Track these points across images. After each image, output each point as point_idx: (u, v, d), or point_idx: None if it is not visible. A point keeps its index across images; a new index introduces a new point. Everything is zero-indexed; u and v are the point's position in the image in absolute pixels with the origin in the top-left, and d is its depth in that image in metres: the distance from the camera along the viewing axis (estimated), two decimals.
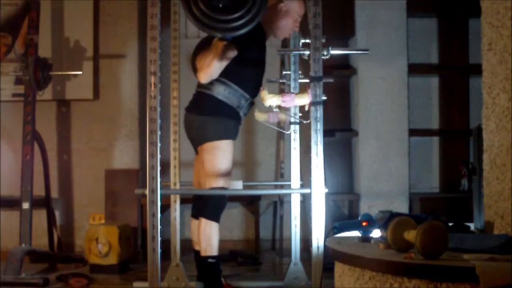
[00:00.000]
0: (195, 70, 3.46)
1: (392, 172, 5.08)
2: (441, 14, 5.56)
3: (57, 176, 5.35)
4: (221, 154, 3.40)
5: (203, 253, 3.42)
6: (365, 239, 2.54)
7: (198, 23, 2.98)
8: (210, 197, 3.44)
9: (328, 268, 2.63)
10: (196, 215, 3.57)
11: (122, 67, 5.39)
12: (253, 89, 3.52)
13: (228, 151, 3.43)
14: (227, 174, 3.42)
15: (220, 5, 2.93)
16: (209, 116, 3.42)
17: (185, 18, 5.80)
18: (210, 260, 3.40)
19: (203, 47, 3.44)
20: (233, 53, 3.30)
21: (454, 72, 5.58)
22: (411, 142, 5.27)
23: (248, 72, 3.45)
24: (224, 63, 3.32)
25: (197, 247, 3.56)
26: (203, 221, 3.40)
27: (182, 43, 4.09)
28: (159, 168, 2.92)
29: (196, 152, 3.58)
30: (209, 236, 3.39)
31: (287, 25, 3.56)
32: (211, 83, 3.41)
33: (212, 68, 3.31)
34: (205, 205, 3.44)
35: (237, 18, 2.95)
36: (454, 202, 5.26)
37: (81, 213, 5.36)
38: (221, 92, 3.42)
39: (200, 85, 3.51)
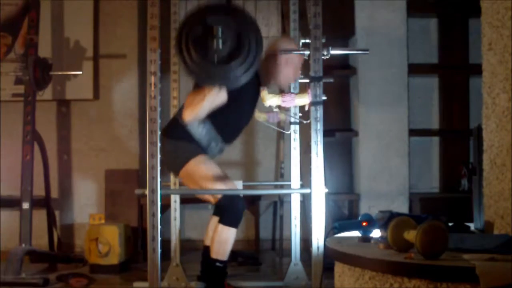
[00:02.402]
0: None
1: (392, 172, 5.08)
2: (441, 14, 5.56)
3: (57, 176, 5.35)
4: (203, 165, 3.34)
5: (213, 255, 3.38)
6: (365, 239, 2.54)
7: (194, 75, 2.97)
8: (226, 205, 3.38)
9: (328, 268, 2.64)
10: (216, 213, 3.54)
11: (122, 67, 5.40)
12: (229, 136, 3.49)
13: (207, 161, 3.37)
14: (224, 177, 3.39)
15: (214, 57, 2.91)
16: (178, 140, 3.34)
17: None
18: (218, 264, 3.38)
19: (194, 84, 3.39)
20: (223, 100, 3.22)
21: (454, 72, 5.58)
22: (411, 142, 5.26)
23: (230, 118, 3.38)
24: (213, 106, 3.24)
25: (208, 243, 3.53)
26: (220, 226, 3.36)
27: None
28: (159, 168, 2.92)
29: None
30: (224, 242, 3.35)
31: (289, 75, 3.52)
32: None
33: (198, 110, 3.24)
34: (223, 213, 3.37)
35: (232, 70, 2.94)
36: (454, 202, 5.25)
37: (81, 213, 5.36)
38: (194, 128, 3.34)
39: (178, 111, 3.48)
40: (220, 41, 2.88)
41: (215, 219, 3.48)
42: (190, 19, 2.99)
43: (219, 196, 3.35)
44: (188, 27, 2.95)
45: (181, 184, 4.04)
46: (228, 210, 3.33)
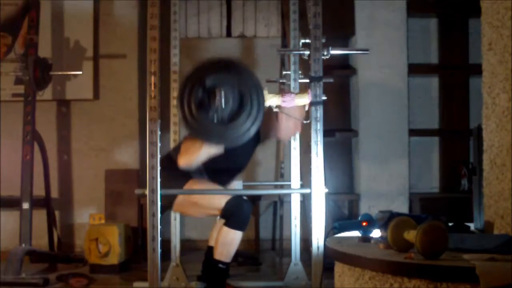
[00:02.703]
0: (179, 151, 3.37)
1: (392, 172, 5.08)
2: (441, 14, 5.56)
3: (57, 176, 5.35)
4: (197, 186, 3.32)
5: (216, 256, 3.36)
6: (365, 239, 2.54)
7: (196, 134, 2.97)
8: (231, 209, 3.36)
9: (328, 268, 2.63)
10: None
11: (122, 67, 5.40)
12: (223, 179, 3.48)
13: (200, 182, 3.36)
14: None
15: (215, 120, 2.90)
16: (169, 172, 3.26)
17: (185, 18, 5.84)
18: (220, 265, 3.36)
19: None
20: (219, 151, 3.22)
21: (454, 72, 5.58)
22: (411, 142, 5.26)
23: (223, 168, 3.38)
24: (208, 156, 3.24)
25: (212, 243, 3.52)
26: (226, 229, 3.33)
27: (182, 43, 4.09)
28: (159, 168, 2.92)
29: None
30: (229, 244, 3.32)
31: (289, 130, 3.50)
32: None
33: (194, 159, 3.24)
34: (229, 217, 3.33)
35: (233, 129, 2.93)
36: (454, 202, 5.25)
37: (81, 213, 5.36)
38: (188, 169, 3.35)
39: (174, 149, 3.48)
40: (222, 101, 2.89)
41: (222, 221, 3.44)
42: (191, 79, 2.96)
43: (223, 205, 3.32)
44: (189, 87, 2.94)
45: None
46: (234, 214, 3.30)
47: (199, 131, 2.96)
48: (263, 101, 2.99)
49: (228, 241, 3.33)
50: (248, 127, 2.95)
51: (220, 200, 3.30)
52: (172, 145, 4.04)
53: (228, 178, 3.56)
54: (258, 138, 3.46)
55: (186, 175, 3.36)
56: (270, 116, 3.38)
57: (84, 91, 5.35)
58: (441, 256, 2.09)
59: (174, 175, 3.30)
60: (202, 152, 3.20)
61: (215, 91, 2.88)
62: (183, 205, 3.39)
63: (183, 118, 2.95)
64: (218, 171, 3.42)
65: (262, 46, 5.81)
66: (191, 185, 3.34)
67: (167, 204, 3.34)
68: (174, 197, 3.35)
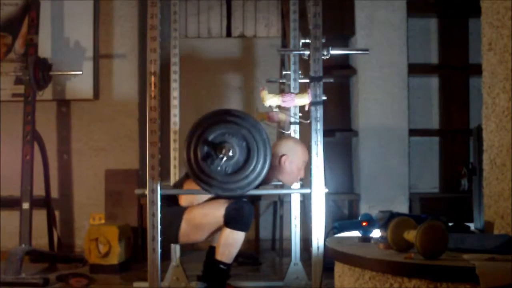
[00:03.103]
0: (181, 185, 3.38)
1: (392, 172, 5.08)
2: (441, 14, 5.56)
3: (57, 176, 5.35)
4: (193, 213, 3.30)
5: (218, 257, 3.35)
6: (365, 239, 2.54)
7: (204, 185, 2.99)
8: (232, 213, 3.35)
9: (328, 268, 2.63)
10: None
11: (122, 67, 5.40)
12: None
13: (193, 206, 3.35)
14: (216, 203, 3.34)
15: (223, 171, 2.96)
16: (167, 208, 3.25)
17: (185, 18, 5.84)
18: (222, 266, 3.36)
19: None
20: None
21: (454, 72, 5.58)
22: (411, 142, 5.26)
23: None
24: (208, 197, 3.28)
25: (214, 244, 3.51)
26: (228, 230, 3.29)
27: (182, 43, 4.09)
28: (159, 168, 2.92)
29: None
30: (231, 245, 3.31)
31: (292, 174, 3.46)
32: None
33: (194, 199, 3.29)
34: (230, 219, 3.29)
35: (238, 180, 2.98)
36: (454, 202, 5.25)
37: (81, 213, 5.36)
38: None
39: (175, 186, 3.48)
40: (229, 153, 2.93)
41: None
42: (195, 133, 3.00)
43: (224, 212, 3.29)
44: (195, 143, 2.97)
45: None
46: (236, 217, 3.30)
47: (205, 182, 2.98)
48: (270, 152, 3.02)
49: (230, 242, 3.31)
50: (255, 177, 3.00)
51: (220, 211, 3.28)
52: (172, 145, 4.05)
53: None
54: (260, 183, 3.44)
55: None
56: (273, 161, 3.31)
57: (84, 91, 5.34)
58: (441, 256, 2.09)
59: (173, 210, 3.30)
60: (204, 196, 3.25)
61: (221, 145, 2.95)
62: (188, 233, 3.35)
63: (190, 169, 2.98)
64: None
65: (262, 46, 5.81)
66: (190, 210, 3.32)
67: (173, 238, 3.33)
68: (177, 228, 3.31)
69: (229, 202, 3.28)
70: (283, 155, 3.40)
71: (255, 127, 3.03)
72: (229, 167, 2.98)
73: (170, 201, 3.32)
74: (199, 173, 2.98)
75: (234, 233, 3.29)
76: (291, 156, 3.41)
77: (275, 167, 3.37)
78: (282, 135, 3.68)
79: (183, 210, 3.31)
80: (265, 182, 3.38)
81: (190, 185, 3.25)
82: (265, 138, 3.03)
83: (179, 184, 3.44)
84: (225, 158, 2.95)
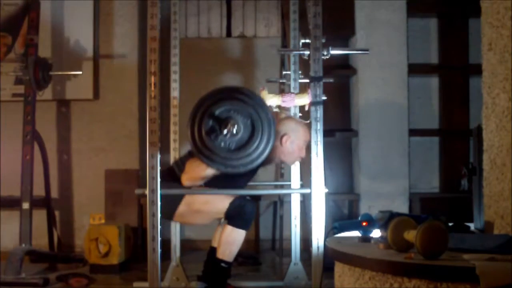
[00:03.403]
0: (183, 165, 3.38)
1: (392, 172, 5.08)
2: (441, 14, 5.56)
3: (57, 176, 5.35)
4: (196, 196, 3.35)
5: (219, 256, 3.36)
6: (365, 239, 2.54)
7: (205, 159, 3.00)
8: (235, 211, 3.36)
9: (328, 268, 2.63)
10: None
11: (122, 67, 5.39)
12: None
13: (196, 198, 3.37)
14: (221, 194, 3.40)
15: (224, 144, 2.97)
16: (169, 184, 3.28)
17: (185, 18, 5.84)
18: (223, 264, 3.36)
19: None
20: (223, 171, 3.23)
21: (454, 72, 5.58)
22: (411, 142, 5.26)
23: (224, 186, 3.36)
24: (212, 175, 3.26)
25: (215, 244, 3.52)
26: (229, 227, 3.33)
27: (182, 43, 4.09)
28: (159, 168, 2.92)
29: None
30: (232, 243, 3.32)
31: (293, 154, 3.48)
32: None
33: (198, 179, 3.28)
34: (233, 217, 3.33)
35: (242, 157, 2.99)
36: (454, 202, 5.25)
37: (81, 213, 5.36)
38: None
39: (177, 164, 3.48)
40: (233, 129, 2.94)
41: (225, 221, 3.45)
42: (201, 107, 3.00)
43: (227, 206, 3.32)
44: (200, 116, 2.98)
45: None
46: (238, 214, 3.30)
47: (207, 157, 2.99)
48: (274, 132, 3.03)
49: (231, 240, 3.33)
50: (259, 154, 3.01)
51: (223, 203, 3.30)
52: (172, 145, 4.04)
53: None
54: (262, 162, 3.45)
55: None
56: (276, 141, 3.33)
57: (84, 91, 5.34)
58: (441, 256, 2.09)
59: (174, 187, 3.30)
60: (206, 173, 3.23)
61: (226, 120, 2.95)
62: (184, 215, 3.38)
63: (193, 143, 2.97)
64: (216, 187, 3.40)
65: (262, 46, 5.80)
66: (190, 196, 3.33)
67: (168, 215, 3.33)
68: (175, 207, 3.33)
69: (233, 197, 3.29)
70: (285, 134, 3.42)
71: (262, 107, 3.05)
72: (232, 143, 2.98)
73: (171, 177, 3.32)
74: (202, 147, 2.98)
75: (235, 231, 3.30)
76: (293, 136, 3.43)
77: (276, 147, 3.37)
78: (282, 114, 3.71)
79: (181, 196, 3.32)
80: (267, 162, 3.40)
81: (193, 163, 3.26)
82: (270, 118, 3.04)
83: (180, 163, 3.42)
84: (229, 134, 2.95)
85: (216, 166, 3.04)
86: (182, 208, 3.33)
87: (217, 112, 2.98)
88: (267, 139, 3.02)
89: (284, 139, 3.42)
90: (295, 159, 3.55)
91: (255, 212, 3.39)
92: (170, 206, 3.29)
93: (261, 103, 3.07)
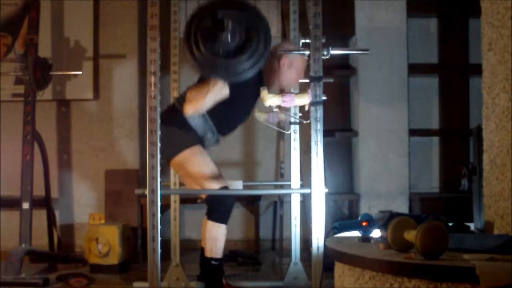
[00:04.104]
0: (184, 98, 3.43)
1: (392, 172, 5.08)
2: (441, 14, 5.56)
3: (57, 176, 5.35)
4: (197, 157, 3.37)
5: (207, 254, 3.40)
6: (365, 239, 2.54)
7: (200, 67, 3.02)
8: (215, 200, 3.40)
9: (328, 268, 2.63)
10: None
11: (122, 67, 5.39)
12: (225, 129, 3.53)
13: (202, 153, 3.41)
14: (216, 174, 3.40)
15: (221, 51, 2.99)
16: (175, 128, 3.36)
17: (185, 18, 5.83)
18: (213, 262, 3.39)
19: (200, 78, 3.45)
20: (225, 95, 3.28)
21: (454, 72, 5.58)
22: (411, 142, 5.26)
23: (229, 113, 3.43)
24: (214, 102, 3.30)
25: (203, 245, 3.54)
26: (210, 223, 3.38)
27: (182, 43, 4.08)
28: (159, 168, 2.92)
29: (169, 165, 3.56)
30: (214, 239, 3.37)
31: (291, 78, 3.56)
32: None
33: (200, 105, 3.30)
34: (212, 208, 3.41)
35: (239, 63, 3.02)
36: (454, 202, 5.26)
37: (81, 213, 5.36)
38: (192, 116, 3.38)
39: (178, 99, 3.51)
40: (229, 34, 2.94)
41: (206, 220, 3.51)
42: (200, 12, 3.05)
43: (208, 188, 3.38)
44: (198, 19, 3.01)
45: (181, 184, 4.04)
46: (217, 205, 3.36)
47: (204, 64, 3.02)
48: (270, 38, 3.08)
49: (213, 236, 3.37)
50: (253, 63, 3.05)
51: (209, 185, 3.34)
52: None
53: (234, 125, 3.59)
54: (261, 83, 3.47)
55: (192, 136, 3.39)
56: (274, 61, 3.45)
57: (84, 91, 5.34)
58: (441, 256, 2.09)
59: (180, 131, 3.35)
60: (207, 98, 3.26)
61: (223, 24, 2.97)
62: (181, 164, 3.40)
63: (189, 52, 3.00)
64: (222, 120, 3.45)
65: None
66: (192, 151, 3.36)
67: (168, 157, 3.35)
68: (179, 151, 3.35)
69: (220, 185, 3.33)
70: (283, 57, 3.47)
71: (259, 16, 3.11)
72: (228, 50, 3.01)
73: (170, 112, 3.37)
74: (197, 52, 3.01)
75: (215, 226, 3.36)
76: (291, 59, 3.49)
77: (274, 70, 3.47)
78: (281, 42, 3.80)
79: (188, 145, 3.36)
80: (266, 83, 3.47)
81: (193, 91, 3.33)
82: (267, 27, 3.09)
83: (181, 98, 3.46)
84: (224, 40, 2.97)
85: (222, 74, 3.06)
86: (184, 156, 3.36)
87: (213, 18, 2.99)
88: (263, 48, 3.05)
89: (282, 61, 3.48)
90: (292, 82, 3.62)
91: (233, 207, 3.42)
92: (171, 150, 3.33)
93: (259, 13, 3.13)
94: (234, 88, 3.24)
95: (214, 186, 3.36)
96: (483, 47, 2.67)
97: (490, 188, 2.59)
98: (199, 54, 2.99)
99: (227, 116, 3.45)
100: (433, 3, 5.51)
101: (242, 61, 3.01)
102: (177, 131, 3.35)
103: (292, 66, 3.50)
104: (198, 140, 3.42)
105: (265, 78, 3.47)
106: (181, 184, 4.03)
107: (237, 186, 3.63)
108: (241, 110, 3.52)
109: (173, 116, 3.38)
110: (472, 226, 2.77)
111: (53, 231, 4.90)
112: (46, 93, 4.87)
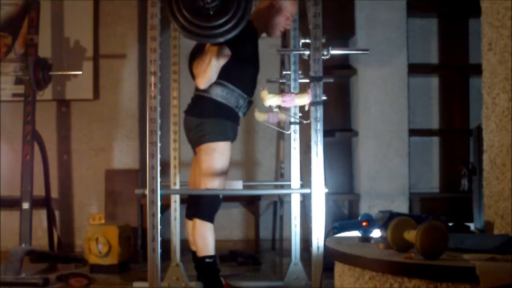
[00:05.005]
0: (193, 76, 3.51)
1: (392, 172, 5.08)
2: (441, 14, 5.56)
3: (57, 176, 5.35)
4: (217, 155, 3.41)
5: (200, 254, 3.42)
6: (365, 239, 2.54)
7: (184, 31, 3.03)
8: (204, 198, 3.44)
9: (328, 268, 2.64)
10: (190, 215, 3.59)
11: (122, 67, 5.40)
12: (250, 88, 3.55)
13: (225, 153, 3.45)
14: (222, 175, 3.42)
15: (204, 11, 2.99)
16: (207, 118, 3.43)
17: None
18: (207, 260, 3.40)
19: (198, 51, 3.50)
20: (227, 54, 3.35)
21: (454, 72, 5.58)
22: (411, 142, 5.26)
23: (243, 71, 3.47)
24: (220, 65, 3.37)
25: (193, 248, 3.56)
26: (198, 222, 3.42)
27: (182, 43, 4.08)
28: (159, 168, 2.92)
29: (195, 152, 3.59)
30: (204, 237, 3.40)
31: (279, 23, 3.60)
32: (209, 86, 3.42)
33: (209, 73, 3.36)
34: (199, 206, 3.44)
35: (222, 23, 3.02)
36: (454, 202, 5.26)
37: (81, 213, 5.36)
38: (219, 94, 3.43)
39: (198, 89, 3.53)
40: None
41: (190, 223, 3.57)
42: None
43: (201, 184, 3.41)
44: None
45: (181, 184, 4.04)
46: (202, 204, 3.42)
47: (189, 29, 3.02)
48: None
49: (203, 235, 3.41)
50: (237, 21, 3.02)
51: (206, 181, 3.38)
52: (172, 145, 4.04)
53: (254, 81, 3.60)
54: (256, 32, 3.54)
55: (230, 129, 3.47)
56: (265, 8, 3.55)
57: (84, 91, 5.34)
58: (441, 256, 2.09)
59: (220, 121, 3.43)
60: (212, 64, 3.34)
61: None
62: (205, 152, 3.43)
63: (173, 19, 3.01)
64: (243, 80, 3.49)
65: (262, 46, 5.73)
66: (221, 147, 3.42)
67: (202, 140, 3.42)
68: (214, 139, 3.41)
69: (223, 183, 3.39)
70: (273, 3, 3.54)
71: None
72: (210, 9, 3.00)
73: (204, 101, 3.44)
74: (179, 15, 2.99)
75: (204, 224, 3.41)
76: (282, 2, 3.55)
77: (264, 14, 3.54)
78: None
79: (223, 138, 3.43)
80: (259, 30, 3.54)
81: (197, 65, 3.39)
82: None
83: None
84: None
85: (207, 39, 3.09)
86: (214, 146, 3.42)
87: None
88: (245, 4, 3.04)
89: (273, 3, 3.54)
90: (280, 28, 3.64)
91: (219, 207, 3.49)
92: (212, 135, 3.41)
93: None
94: (233, 45, 3.30)
95: (212, 184, 3.37)
96: (483, 47, 2.67)
97: (490, 188, 2.59)
98: (183, 19, 2.99)
99: (244, 75, 3.49)
100: (433, 3, 5.51)
101: (226, 20, 3.01)
102: (210, 122, 3.41)
103: (280, 11, 3.56)
104: (230, 134, 3.48)
105: (257, 25, 3.53)
106: (181, 184, 4.03)
107: (237, 186, 3.63)
108: (251, 63, 3.56)
109: (204, 106, 3.44)
110: (472, 226, 2.77)
111: (53, 231, 4.90)
112: (46, 93, 4.88)
